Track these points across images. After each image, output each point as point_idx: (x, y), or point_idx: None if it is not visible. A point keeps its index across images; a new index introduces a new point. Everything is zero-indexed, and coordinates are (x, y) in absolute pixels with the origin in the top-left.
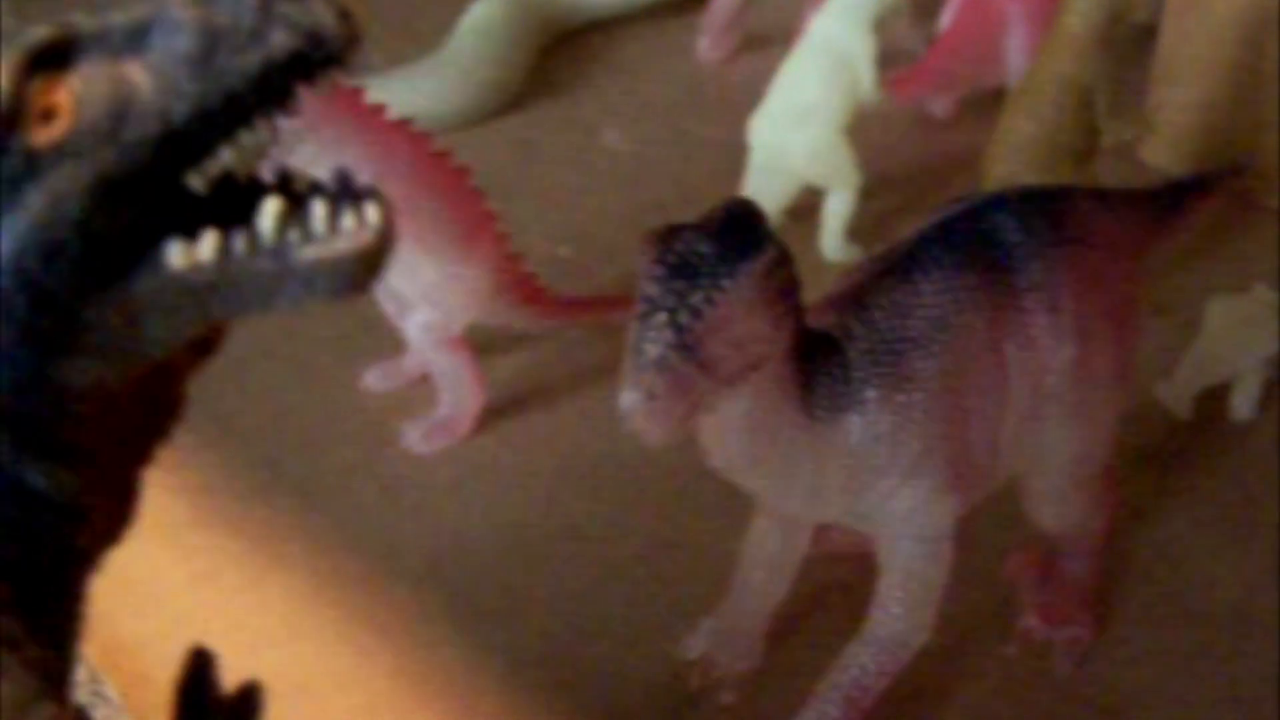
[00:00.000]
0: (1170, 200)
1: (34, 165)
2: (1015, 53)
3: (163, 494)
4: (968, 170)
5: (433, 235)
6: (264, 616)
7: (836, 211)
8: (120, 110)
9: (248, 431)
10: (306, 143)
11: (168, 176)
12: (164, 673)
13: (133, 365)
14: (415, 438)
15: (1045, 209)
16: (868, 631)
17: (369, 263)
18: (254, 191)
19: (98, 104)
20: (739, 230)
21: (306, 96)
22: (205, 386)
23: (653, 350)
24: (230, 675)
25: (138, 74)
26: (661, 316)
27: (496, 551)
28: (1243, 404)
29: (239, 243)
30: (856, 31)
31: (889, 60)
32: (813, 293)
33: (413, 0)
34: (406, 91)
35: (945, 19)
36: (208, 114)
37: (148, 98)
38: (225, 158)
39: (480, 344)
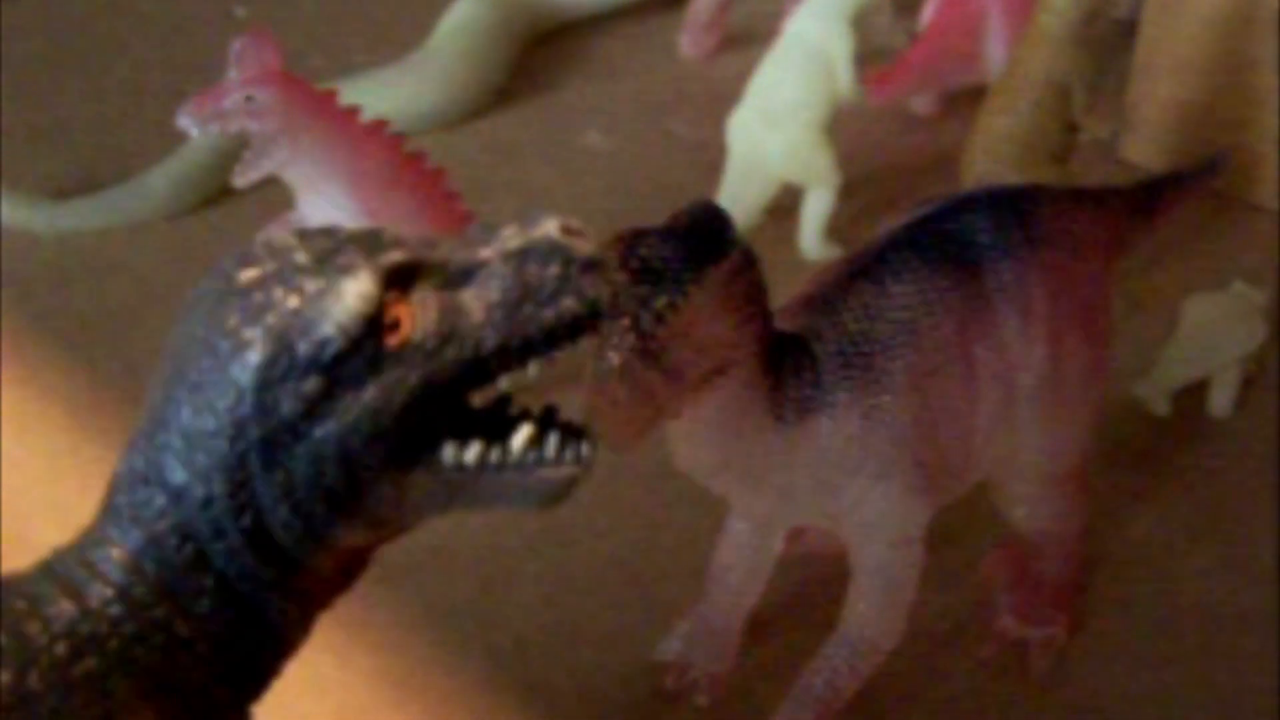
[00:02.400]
0: (1145, 198)
1: (376, 363)
2: (995, 50)
3: None
4: (948, 168)
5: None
6: None
7: (815, 210)
8: (448, 332)
9: None
10: (282, 146)
11: (464, 391)
12: None
13: (381, 535)
14: None
15: (1016, 209)
16: (839, 633)
17: (575, 486)
18: (490, 411)
19: (432, 323)
20: (703, 234)
21: (283, 100)
22: None
23: (616, 356)
24: None
25: (465, 305)
26: (625, 322)
27: (473, 554)
28: (1221, 401)
29: (495, 455)
30: (835, 30)
31: (870, 58)
32: (793, 293)
33: (393, 0)
34: (387, 91)
35: (926, 16)
36: (508, 349)
37: (469, 326)
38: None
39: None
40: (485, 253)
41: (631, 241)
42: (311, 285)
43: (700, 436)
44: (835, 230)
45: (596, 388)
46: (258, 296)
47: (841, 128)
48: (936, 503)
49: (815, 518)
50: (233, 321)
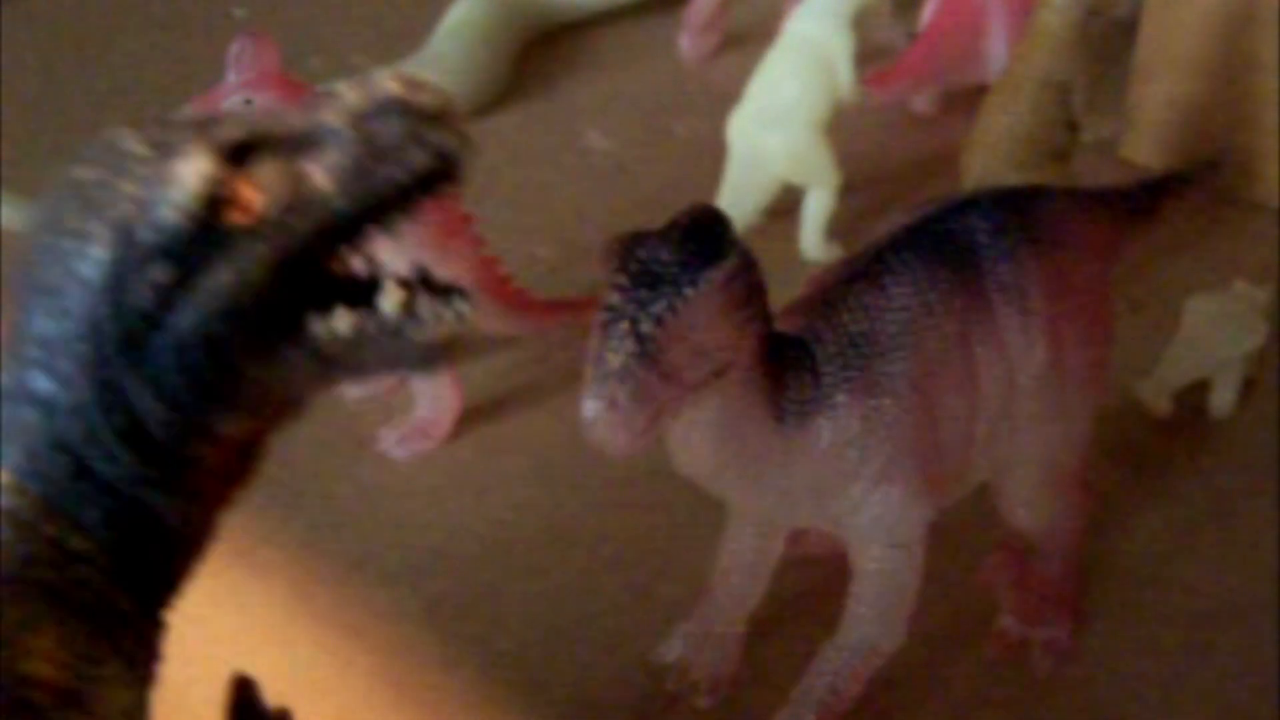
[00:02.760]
0: (1145, 198)
1: (225, 242)
2: (996, 49)
3: None
4: (949, 167)
5: (407, 239)
6: (241, 623)
7: (816, 210)
8: (296, 202)
9: None
10: None
11: (320, 260)
12: None
13: (263, 420)
14: (392, 443)
15: (1016, 210)
16: (840, 636)
17: (454, 344)
18: (359, 279)
19: (278, 195)
20: (702, 237)
21: (283, 101)
22: None
23: (615, 359)
24: (212, 684)
25: (311, 173)
26: (623, 325)
27: (474, 556)
28: (1222, 401)
29: (368, 321)
30: (834, 29)
31: (870, 57)
32: (793, 293)
33: (393, 1)
34: None
35: (925, 16)
36: (361, 212)
37: (318, 194)
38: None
39: (458, 348)
40: (326, 117)
41: (630, 244)
42: (148, 172)
43: (699, 439)
44: (836, 230)
45: (595, 390)
46: (95, 192)
47: (842, 127)
48: (937, 505)
49: (815, 520)
50: (73, 220)
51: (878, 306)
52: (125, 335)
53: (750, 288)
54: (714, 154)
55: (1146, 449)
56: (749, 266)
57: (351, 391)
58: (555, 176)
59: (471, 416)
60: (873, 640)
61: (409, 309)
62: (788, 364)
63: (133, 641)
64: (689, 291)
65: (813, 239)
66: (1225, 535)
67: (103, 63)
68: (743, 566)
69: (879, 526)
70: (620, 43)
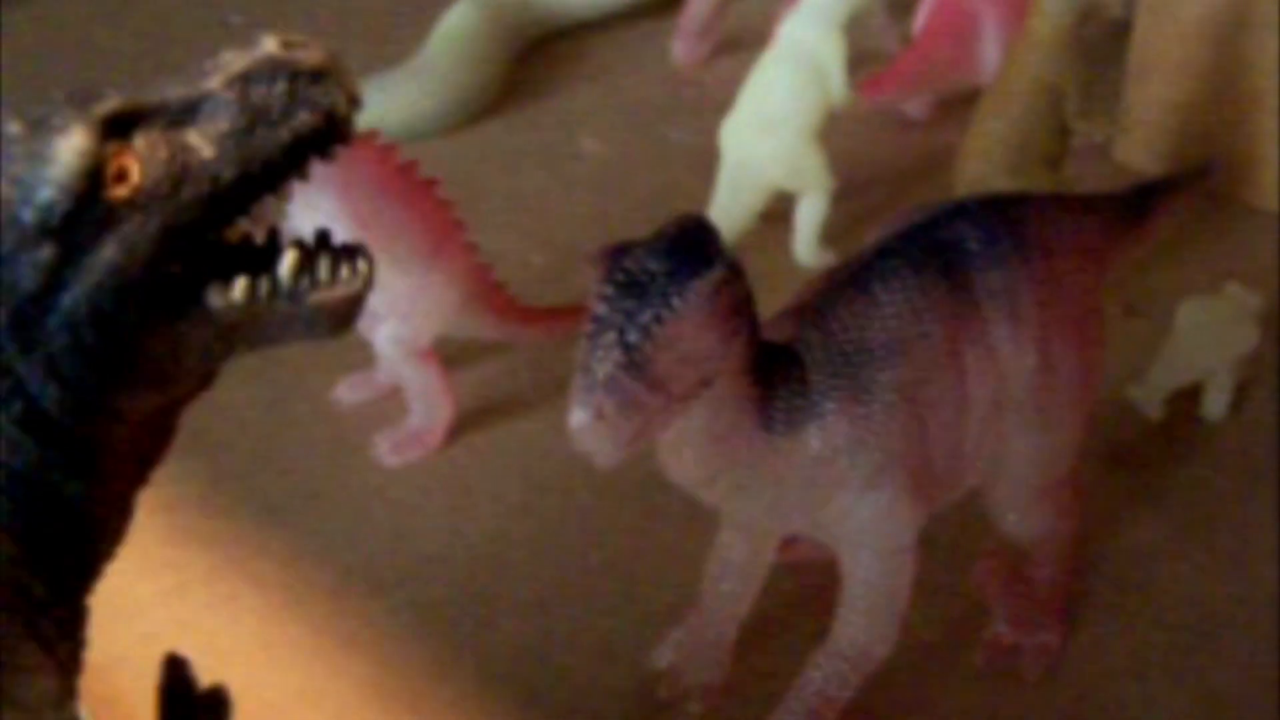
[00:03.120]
0: (1136, 203)
1: (109, 217)
2: (989, 54)
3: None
4: (943, 173)
5: (399, 247)
6: (234, 632)
7: (809, 216)
8: (179, 172)
9: (217, 445)
10: None
11: (210, 230)
12: (134, 692)
13: (166, 394)
14: (386, 450)
15: (1006, 216)
16: (831, 642)
17: (356, 305)
18: (259, 246)
19: (160, 166)
20: (689, 247)
21: None
22: None
23: (601, 370)
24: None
25: (193, 142)
26: (610, 335)
27: (466, 563)
28: (1215, 405)
29: (263, 288)
30: (826, 35)
31: (864, 62)
32: (786, 299)
33: (387, 7)
34: (381, 99)
35: (918, 21)
36: (248, 178)
37: (201, 162)
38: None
39: (450, 356)
40: (207, 84)
41: (617, 254)
42: (25, 151)
43: (689, 448)
44: (829, 236)
45: (582, 400)
46: None
47: (835, 133)
48: (927, 511)
49: (806, 527)
50: None
51: (867, 314)
52: (14, 318)
53: (738, 297)
54: (707, 160)
55: (1139, 453)
56: (736, 276)
57: (345, 399)
58: (549, 182)
59: (464, 424)
60: (864, 646)
61: (306, 272)
62: (777, 372)
63: (50, 628)
64: (676, 302)
65: (806, 245)
66: (1218, 539)
67: (98, 69)
68: (734, 574)
69: (869, 533)
70: (614, 49)
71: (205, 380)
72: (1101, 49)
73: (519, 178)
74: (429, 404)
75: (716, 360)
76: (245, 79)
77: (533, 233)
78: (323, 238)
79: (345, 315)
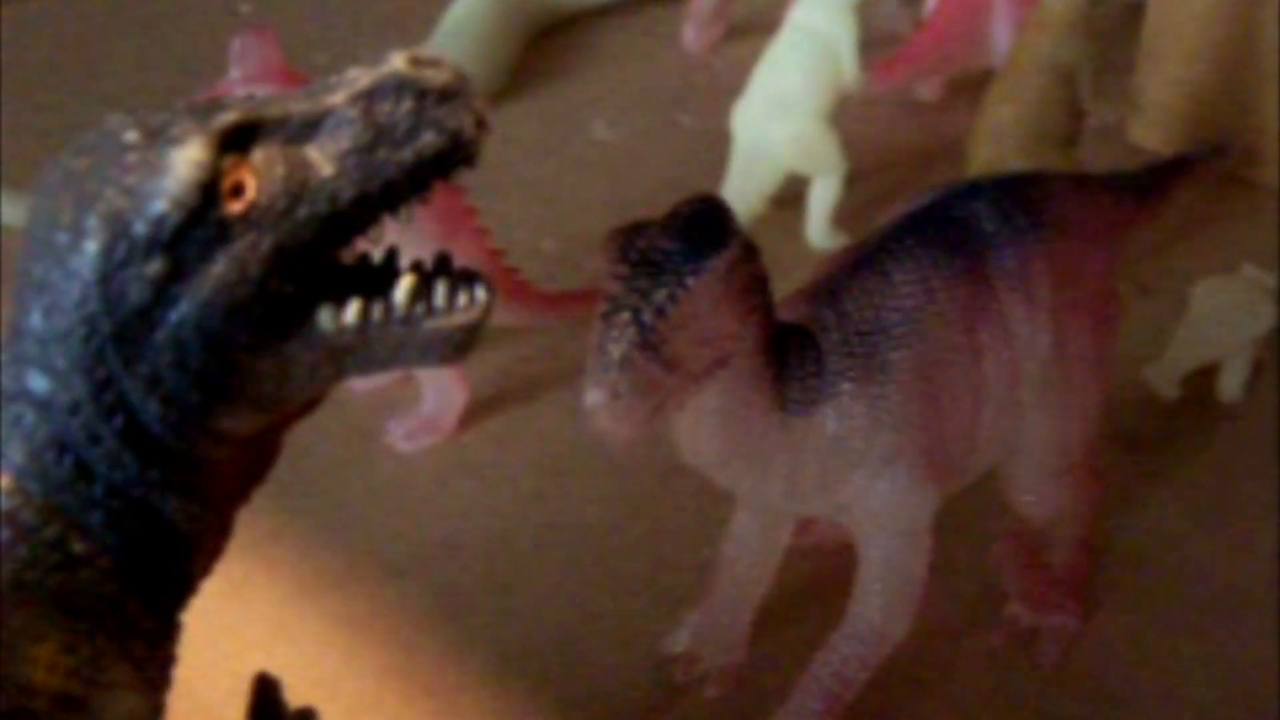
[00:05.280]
0: (1150, 183)
1: (222, 233)
2: (1001, 35)
3: None
4: (955, 155)
5: (410, 233)
6: (249, 619)
7: (822, 199)
8: (297, 189)
9: None
10: None
11: (326, 250)
12: None
13: (271, 416)
14: (400, 435)
15: (1020, 196)
16: (847, 624)
17: (474, 334)
18: (374, 267)
19: (278, 182)
20: (703, 226)
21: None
22: None
23: (616, 349)
24: (219, 679)
25: (313, 159)
26: (625, 315)
27: (481, 548)
28: (1230, 385)
29: (377, 311)
30: (838, 17)
31: (876, 45)
32: (800, 282)
33: None
34: None
35: (930, 3)
36: (367, 198)
37: (320, 180)
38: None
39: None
40: (331, 100)
41: (631, 234)
42: (141, 161)
43: (704, 429)
44: (842, 219)
45: (596, 380)
46: (90, 183)
47: (847, 116)
48: (943, 491)
49: (821, 508)
50: (67, 213)
51: (882, 294)
52: (120, 331)
53: (752, 277)
54: (720, 145)
55: (1155, 434)
56: (750, 255)
57: (358, 385)
58: (561, 169)
59: (478, 409)
60: (880, 628)
61: (422, 298)
62: (792, 353)
63: (142, 646)
64: (690, 281)
65: (819, 228)
66: (1234, 519)
67: (106, 60)
68: (749, 557)
69: (885, 514)
70: (625, 35)
71: (313, 402)
72: (1114, 29)
73: (531, 164)
74: (442, 390)
75: (731, 339)
76: (370, 96)
77: (545, 218)
78: (442, 262)
79: (461, 344)
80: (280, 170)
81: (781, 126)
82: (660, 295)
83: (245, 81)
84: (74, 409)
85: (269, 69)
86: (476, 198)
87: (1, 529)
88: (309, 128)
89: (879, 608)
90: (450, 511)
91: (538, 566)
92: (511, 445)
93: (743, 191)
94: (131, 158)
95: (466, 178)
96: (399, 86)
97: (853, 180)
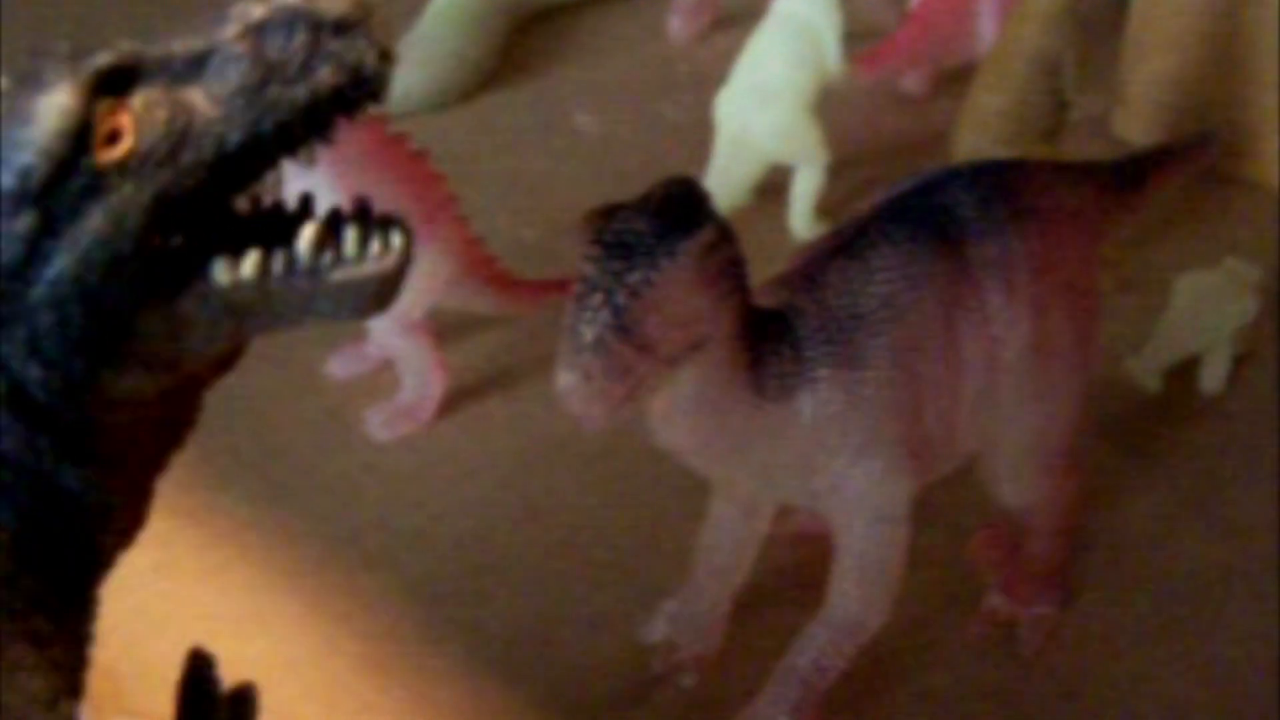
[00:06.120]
0: (1131, 173)
1: (98, 183)
2: (986, 27)
3: None
4: (939, 146)
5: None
6: (225, 605)
7: (804, 189)
8: (179, 134)
9: (208, 419)
10: None
11: (217, 198)
12: (125, 664)
13: (170, 377)
14: (378, 424)
15: (1000, 184)
16: (824, 613)
17: (390, 284)
18: (283, 216)
19: (158, 127)
20: (678, 209)
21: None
22: None
23: (589, 332)
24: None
25: (197, 101)
26: (598, 297)
27: (458, 537)
28: (1212, 378)
29: (278, 263)
30: (821, 8)
31: (861, 36)
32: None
33: None
34: None
35: None
36: (259, 141)
37: (205, 124)
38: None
39: (442, 329)
40: (219, 35)
41: (605, 217)
42: (9, 110)
43: (680, 414)
44: (825, 209)
45: (569, 362)
46: None
47: (832, 107)
48: (920, 480)
49: (798, 496)
50: None
51: (860, 280)
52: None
53: (728, 260)
54: (703, 135)
55: (1137, 425)
56: (726, 238)
57: (336, 372)
58: (544, 159)
59: (456, 398)
60: (857, 616)
61: (331, 246)
62: (769, 338)
63: (44, 623)
64: (665, 262)
65: (802, 217)
66: (1216, 511)
67: (94, 32)
68: (727, 545)
69: (862, 501)
70: (609, 25)
71: (224, 363)
72: (1099, 21)
73: (513, 153)
74: (421, 378)
75: (706, 323)
76: (260, 31)
77: (526, 208)
78: (360, 207)
79: (375, 296)
80: (161, 114)
81: (764, 116)
82: (634, 277)
83: None
84: None
85: None
86: (457, 186)
87: None
88: (194, 67)
89: (856, 596)
90: (427, 500)
91: (515, 555)
92: (490, 434)
93: (726, 181)
94: (1, 106)
95: (447, 166)
96: (291, 19)
97: (837, 170)
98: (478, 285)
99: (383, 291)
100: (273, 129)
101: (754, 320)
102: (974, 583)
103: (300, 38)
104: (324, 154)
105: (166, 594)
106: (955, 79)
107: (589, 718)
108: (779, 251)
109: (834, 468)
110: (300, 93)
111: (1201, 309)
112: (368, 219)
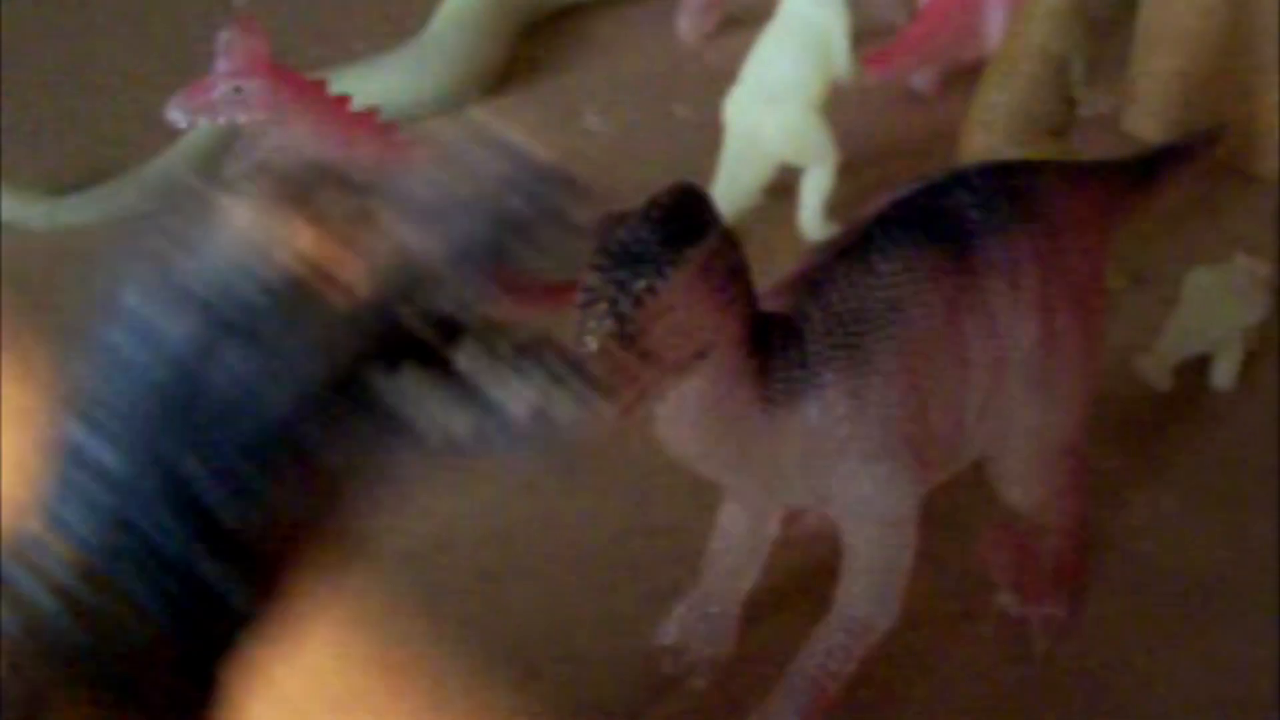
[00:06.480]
0: (1141, 171)
1: (310, 315)
2: (994, 24)
3: None
4: (949, 146)
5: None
6: None
7: (814, 189)
8: (379, 256)
9: None
10: (271, 136)
11: (412, 322)
12: None
13: (335, 491)
14: None
15: (1006, 185)
16: (833, 615)
17: (546, 423)
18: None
19: (372, 255)
20: (682, 216)
21: (272, 90)
22: None
23: (593, 341)
24: None
25: (399, 230)
26: (602, 305)
27: (470, 540)
28: (1223, 375)
29: (436, 373)
30: (830, 7)
31: (871, 36)
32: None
33: None
34: (387, 78)
35: None
36: (466, 258)
37: (416, 254)
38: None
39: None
40: (430, 170)
41: (609, 224)
42: (233, 230)
43: (687, 421)
44: (835, 210)
45: None
46: (170, 242)
47: (841, 106)
48: (928, 482)
49: (806, 500)
50: (143, 272)
51: (865, 284)
52: (188, 408)
53: (732, 267)
54: (713, 135)
55: (1147, 424)
56: (730, 246)
57: None
58: (554, 160)
59: None
60: (865, 618)
61: (488, 360)
62: (774, 343)
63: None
64: (668, 271)
65: (812, 218)
66: (1226, 510)
67: (102, 54)
68: (737, 548)
69: (869, 504)
70: (618, 25)
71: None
72: (1108, 18)
73: None
74: None
75: (711, 330)
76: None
77: None
78: (539, 344)
79: (534, 431)
80: (362, 235)
81: (773, 116)
82: (638, 286)
83: (230, 74)
84: (135, 481)
85: (254, 61)
86: None
87: (50, 596)
88: (394, 188)
89: (864, 598)
90: (438, 503)
91: (526, 558)
92: None
93: (735, 182)
94: (223, 224)
95: None
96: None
97: (846, 171)
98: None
99: (539, 431)
100: (472, 251)
101: (759, 326)
102: (983, 583)
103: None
104: (334, 160)
105: None
106: (965, 78)
107: (601, 719)
108: (788, 252)
109: (841, 471)
110: (496, 221)
111: (1212, 306)
112: (542, 360)
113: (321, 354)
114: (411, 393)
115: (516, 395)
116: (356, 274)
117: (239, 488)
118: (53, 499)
